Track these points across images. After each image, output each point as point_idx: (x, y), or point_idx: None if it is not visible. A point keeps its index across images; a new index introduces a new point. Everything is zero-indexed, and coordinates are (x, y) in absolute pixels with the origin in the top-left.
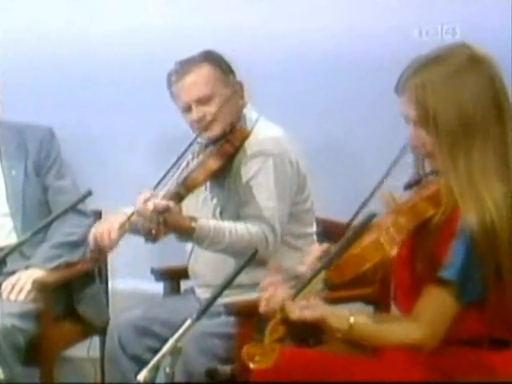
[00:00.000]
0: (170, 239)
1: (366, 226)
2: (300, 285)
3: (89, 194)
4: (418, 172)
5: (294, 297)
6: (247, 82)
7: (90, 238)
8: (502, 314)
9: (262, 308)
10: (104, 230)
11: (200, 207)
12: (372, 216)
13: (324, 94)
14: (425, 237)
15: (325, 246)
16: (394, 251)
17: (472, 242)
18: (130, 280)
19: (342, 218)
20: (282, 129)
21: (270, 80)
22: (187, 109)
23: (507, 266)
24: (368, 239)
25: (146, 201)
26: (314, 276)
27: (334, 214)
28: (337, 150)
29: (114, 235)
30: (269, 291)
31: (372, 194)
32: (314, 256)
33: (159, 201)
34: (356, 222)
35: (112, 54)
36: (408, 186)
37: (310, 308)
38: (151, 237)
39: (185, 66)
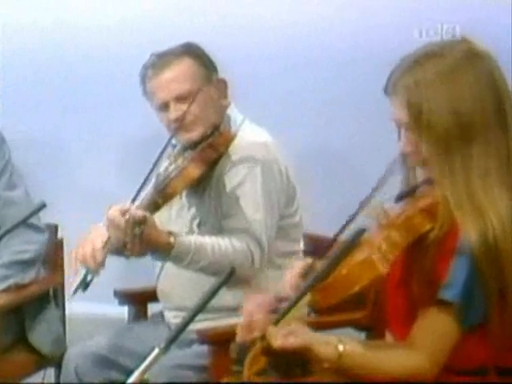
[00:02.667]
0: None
1: (355, 243)
2: (283, 309)
3: (43, 206)
4: (410, 182)
5: (277, 322)
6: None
7: (71, 260)
8: (508, 340)
9: (240, 336)
10: (87, 251)
11: (174, 219)
12: (361, 231)
13: (316, 96)
14: (421, 254)
15: (308, 261)
16: (387, 270)
17: (474, 260)
18: (90, 303)
19: (331, 233)
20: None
21: (253, 78)
22: (164, 107)
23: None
24: (358, 257)
25: (122, 211)
26: (298, 299)
27: (324, 229)
28: (328, 158)
29: (99, 257)
30: (247, 317)
31: (360, 209)
32: (295, 273)
33: (135, 211)
34: (344, 238)
35: (65, 48)
36: (400, 198)
37: (294, 335)
38: (126, 251)
39: (163, 59)
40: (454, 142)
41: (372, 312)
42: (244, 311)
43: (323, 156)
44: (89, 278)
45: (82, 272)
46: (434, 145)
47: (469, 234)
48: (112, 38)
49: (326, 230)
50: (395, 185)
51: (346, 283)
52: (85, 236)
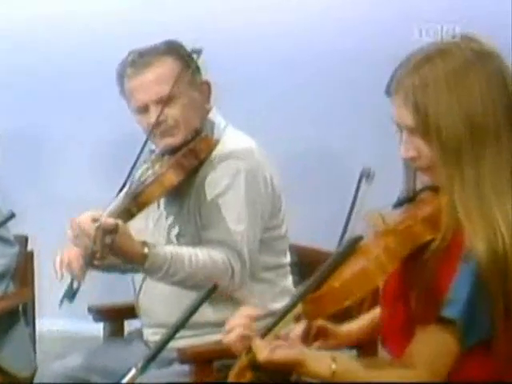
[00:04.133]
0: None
1: (350, 251)
2: (271, 321)
3: (11, 216)
4: (410, 187)
5: (264, 335)
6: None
7: (57, 266)
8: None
9: (226, 340)
10: (73, 257)
11: (151, 229)
12: (358, 239)
13: (308, 99)
14: (421, 267)
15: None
16: (383, 282)
17: (479, 273)
18: (63, 320)
19: (321, 244)
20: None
21: (236, 81)
22: (143, 109)
23: None
24: (353, 267)
25: (93, 218)
26: (288, 310)
27: (312, 240)
28: (314, 164)
29: (82, 262)
30: (234, 332)
31: (349, 216)
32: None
33: (106, 218)
34: (339, 247)
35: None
36: (399, 204)
37: (283, 348)
38: (95, 261)
39: (144, 58)
40: (464, 146)
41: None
42: (229, 325)
43: (310, 162)
44: (75, 285)
45: (68, 280)
46: (442, 149)
47: (476, 243)
48: (82, 40)
49: (314, 241)
50: (393, 190)
51: (340, 294)
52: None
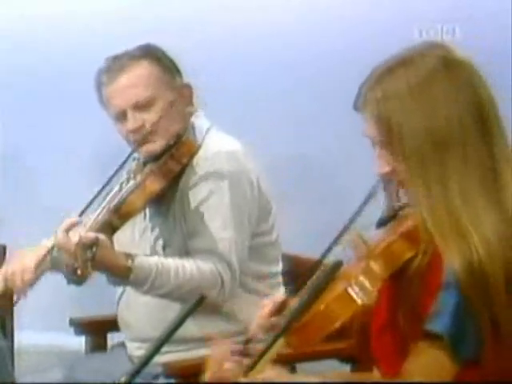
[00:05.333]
0: (93, 281)
1: (331, 277)
2: (255, 355)
3: None
4: (392, 206)
5: (250, 369)
6: (195, 84)
7: (0, 278)
8: (504, 374)
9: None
10: (17, 269)
11: (137, 241)
12: (338, 265)
13: (307, 99)
14: (406, 284)
15: (279, 297)
16: (368, 303)
17: (460, 288)
18: (43, 333)
19: (314, 254)
20: (239, 142)
21: (223, 84)
22: (121, 116)
23: (504, 315)
24: (335, 291)
25: (68, 231)
26: (271, 343)
27: (305, 248)
28: (309, 170)
29: (28, 276)
30: (217, 367)
31: (342, 233)
32: (264, 313)
33: (86, 232)
34: (320, 272)
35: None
36: (381, 223)
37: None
38: (76, 277)
39: (119, 63)
40: (428, 158)
41: (357, 341)
42: (212, 361)
43: (303, 167)
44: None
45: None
46: (407, 163)
47: (452, 260)
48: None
49: (307, 249)
50: (376, 209)
51: (324, 321)
52: (21, 253)
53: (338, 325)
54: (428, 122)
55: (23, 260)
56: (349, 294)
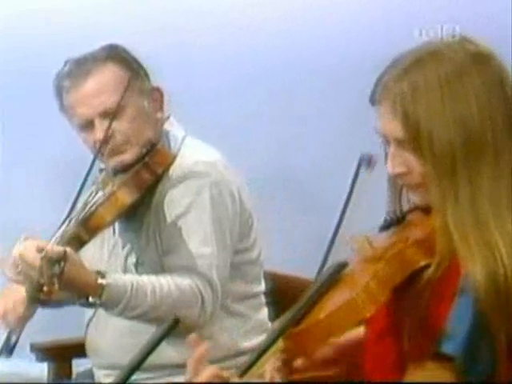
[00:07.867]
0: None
1: (333, 280)
2: (247, 362)
3: None
4: (396, 207)
5: (241, 376)
6: (167, 90)
7: None
8: None
9: None
10: (7, 303)
11: (106, 259)
12: (342, 266)
13: (305, 99)
14: (414, 297)
15: None
16: (372, 314)
17: (478, 303)
18: (2, 360)
19: (299, 271)
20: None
21: (201, 90)
22: (88, 125)
23: None
24: (339, 298)
25: (38, 249)
26: (266, 348)
27: (289, 266)
28: (292, 181)
29: (20, 309)
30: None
31: (333, 239)
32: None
33: (52, 246)
34: (321, 275)
35: None
36: (386, 227)
37: None
38: (42, 295)
39: (82, 67)
40: (459, 161)
41: (347, 368)
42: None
43: (286, 179)
44: (13, 338)
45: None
46: (435, 165)
47: (474, 271)
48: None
49: (291, 267)
50: (379, 211)
51: (325, 329)
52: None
53: (340, 334)
54: (461, 122)
55: (11, 296)
56: (356, 302)
